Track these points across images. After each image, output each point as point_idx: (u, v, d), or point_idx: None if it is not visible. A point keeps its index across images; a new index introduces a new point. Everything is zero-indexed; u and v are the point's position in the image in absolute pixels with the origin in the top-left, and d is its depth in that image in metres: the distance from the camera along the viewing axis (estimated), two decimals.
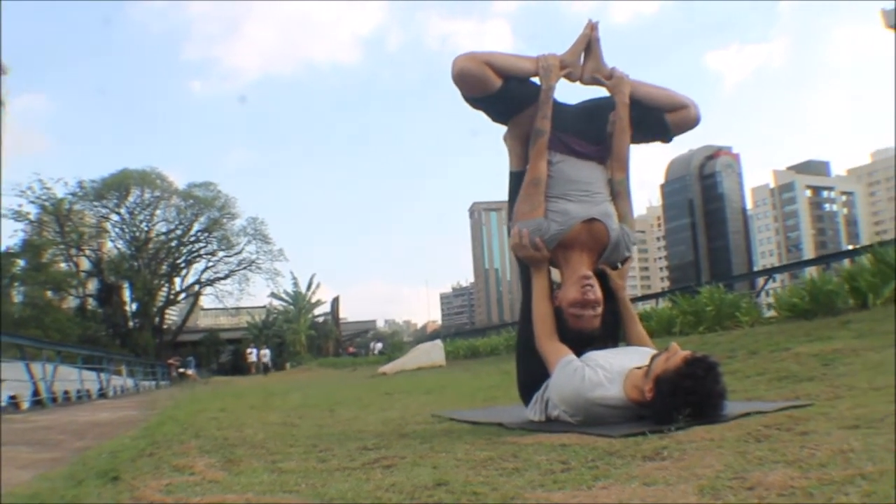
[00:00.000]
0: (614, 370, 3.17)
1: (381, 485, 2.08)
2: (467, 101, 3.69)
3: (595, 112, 3.86)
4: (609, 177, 3.78)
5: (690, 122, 3.92)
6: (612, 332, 3.65)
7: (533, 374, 3.56)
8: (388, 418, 4.66)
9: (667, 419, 2.79)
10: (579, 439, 2.71)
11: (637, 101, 3.80)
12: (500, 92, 3.61)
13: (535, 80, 3.72)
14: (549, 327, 3.49)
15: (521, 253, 3.62)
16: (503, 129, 3.90)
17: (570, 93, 3.92)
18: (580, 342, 3.41)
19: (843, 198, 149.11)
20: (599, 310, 3.47)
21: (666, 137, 3.96)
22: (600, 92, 3.91)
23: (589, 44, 3.90)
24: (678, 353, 2.98)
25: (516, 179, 3.74)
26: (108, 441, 4.30)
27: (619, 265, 3.78)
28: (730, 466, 1.91)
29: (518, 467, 2.24)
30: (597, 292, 3.46)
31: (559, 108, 3.75)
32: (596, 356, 3.29)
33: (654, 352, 3.21)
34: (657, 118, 3.86)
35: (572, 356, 3.32)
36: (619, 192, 3.78)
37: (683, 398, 2.82)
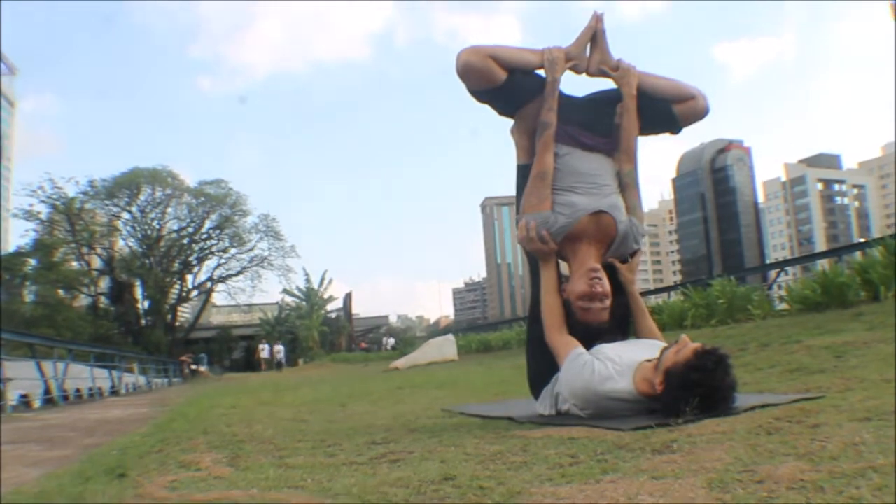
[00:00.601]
0: (624, 363, 3.15)
1: (387, 479, 2.07)
2: (472, 94, 3.67)
3: (602, 104, 3.84)
4: (617, 169, 3.75)
5: (699, 113, 3.88)
6: (621, 326, 3.63)
7: (543, 368, 3.54)
8: (398, 413, 4.65)
9: (677, 412, 2.77)
10: (588, 433, 2.70)
11: (644, 93, 3.77)
12: (505, 85, 3.59)
13: (541, 72, 3.70)
14: (558, 320, 3.47)
15: (528, 246, 3.60)
16: (510, 123, 3.88)
17: (576, 85, 3.90)
18: (589, 335, 3.39)
19: (855, 191, 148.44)
20: (608, 302, 3.45)
21: (674, 129, 3.93)
22: (607, 84, 3.89)
23: (595, 35, 3.87)
24: (688, 345, 2.96)
25: (523, 172, 3.71)
26: (118, 438, 4.32)
27: (629, 258, 3.75)
28: (739, 459, 1.90)
29: (526, 461, 2.23)
30: (605, 285, 3.44)
31: (565, 100, 3.72)
32: (606, 349, 3.27)
33: (663, 345, 3.19)
34: (665, 109, 3.82)
35: (582, 349, 3.31)
36: (627, 184, 3.75)
37: (693, 391, 2.80)
